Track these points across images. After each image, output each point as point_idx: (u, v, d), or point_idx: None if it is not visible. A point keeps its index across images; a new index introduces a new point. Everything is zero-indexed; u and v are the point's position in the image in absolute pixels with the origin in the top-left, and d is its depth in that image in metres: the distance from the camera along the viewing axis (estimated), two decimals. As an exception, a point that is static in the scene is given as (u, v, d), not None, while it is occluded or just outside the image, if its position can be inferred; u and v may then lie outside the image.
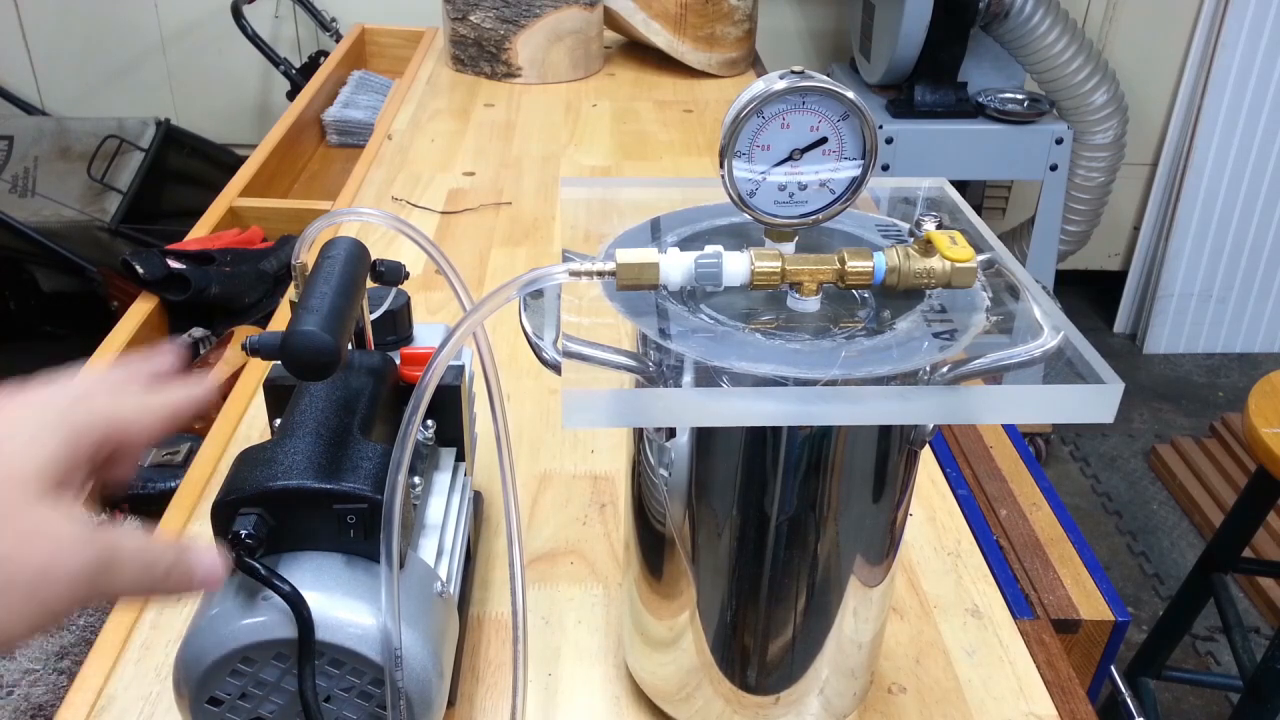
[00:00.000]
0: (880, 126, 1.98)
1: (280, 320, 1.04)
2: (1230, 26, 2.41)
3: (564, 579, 0.74)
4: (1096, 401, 0.44)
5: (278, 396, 0.60)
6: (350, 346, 0.60)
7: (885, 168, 2.16)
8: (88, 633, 0.75)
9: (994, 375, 0.48)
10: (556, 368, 0.47)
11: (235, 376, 0.96)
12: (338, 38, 2.33)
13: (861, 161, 0.49)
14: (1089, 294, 2.91)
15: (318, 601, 0.49)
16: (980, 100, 2.22)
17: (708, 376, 0.45)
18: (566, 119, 1.58)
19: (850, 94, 0.47)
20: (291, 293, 0.58)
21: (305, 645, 0.48)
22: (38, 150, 2.20)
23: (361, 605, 0.50)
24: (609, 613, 0.71)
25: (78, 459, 0.39)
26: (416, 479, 0.56)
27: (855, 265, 0.47)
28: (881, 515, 0.53)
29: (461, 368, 0.65)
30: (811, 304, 0.49)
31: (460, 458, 0.66)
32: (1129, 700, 1.27)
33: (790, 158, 0.48)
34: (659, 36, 1.76)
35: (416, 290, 1.02)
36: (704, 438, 0.51)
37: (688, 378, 0.46)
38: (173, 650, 0.54)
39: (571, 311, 0.50)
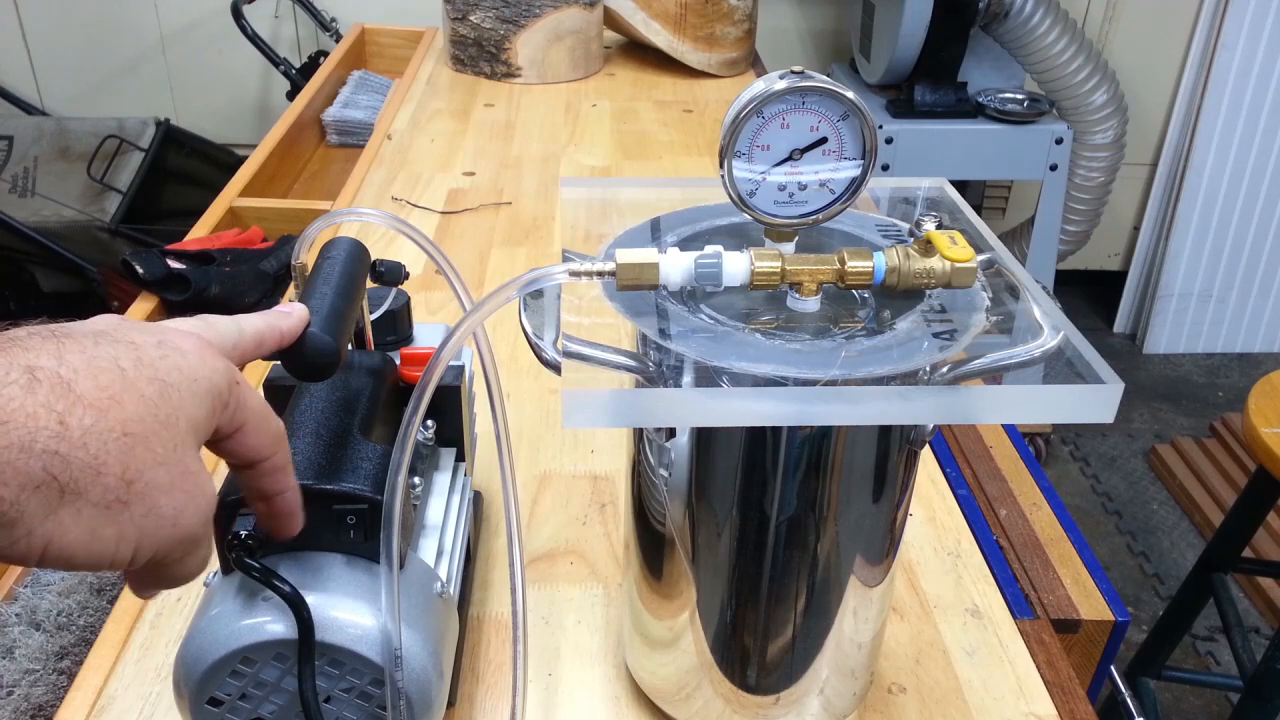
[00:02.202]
0: (880, 126, 1.98)
1: (280, 320, 1.04)
2: (1230, 26, 2.41)
3: (564, 579, 0.74)
4: (1096, 401, 0.44)
5: (278, 396, 0.59)
6: (350, 346, 0.60)
7: (885, 168, 2.16)
8: (88, 633, 0.75)
9: (994, 375, 0.48)
10: (556, 368, 0.47)
11: (235, 376, 0.96)
12: (338, 38, 2.33)
13: (861, 161, 0.49)
14: (1089, 294, 2.91)
15: (318, 601, 0.49)
16: (980, 100, 2.22)
17: (708, 376, 0.45)
18: (566, 119, 1.58)
19: (850, 94, 0.47)
20: (291, 293, 0.58)
21: (305, 645, 0.48)
22: (38, 150, 2.20)
23: (361, 605, 0.50)
24: (609, 613, 0.71)
25: (213, 426, 0.39)
26: (416, 479, 0.56)
27: (855, 265, 0.47)
28: (881, 515, 0.53)
29: (461, 368, 0.65)
30: (811, 304, 0.49)
31: (460, 458, 0.66)
32: (1129, 700, 1.27)
33: (790, 158, 0.48)
34: (659, 36, 1.76)
35: (416, 290, 1.02)
36: (704, 438, 0.51)
37: (688, 378, 0.46)
38: (173, 650, 0.54)
39: (571, 311, 0.50)
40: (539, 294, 0.51)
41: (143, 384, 0.35)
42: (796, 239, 0.51)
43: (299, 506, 0.45)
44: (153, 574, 0.39)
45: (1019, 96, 2.25)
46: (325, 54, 2.27)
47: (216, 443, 0.41)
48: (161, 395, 0.36)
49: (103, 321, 0.38)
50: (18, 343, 0.34)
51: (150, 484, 0.35)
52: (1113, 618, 0.78)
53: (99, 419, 0.33)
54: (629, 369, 0.47)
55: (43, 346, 0.34)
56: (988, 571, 0.76)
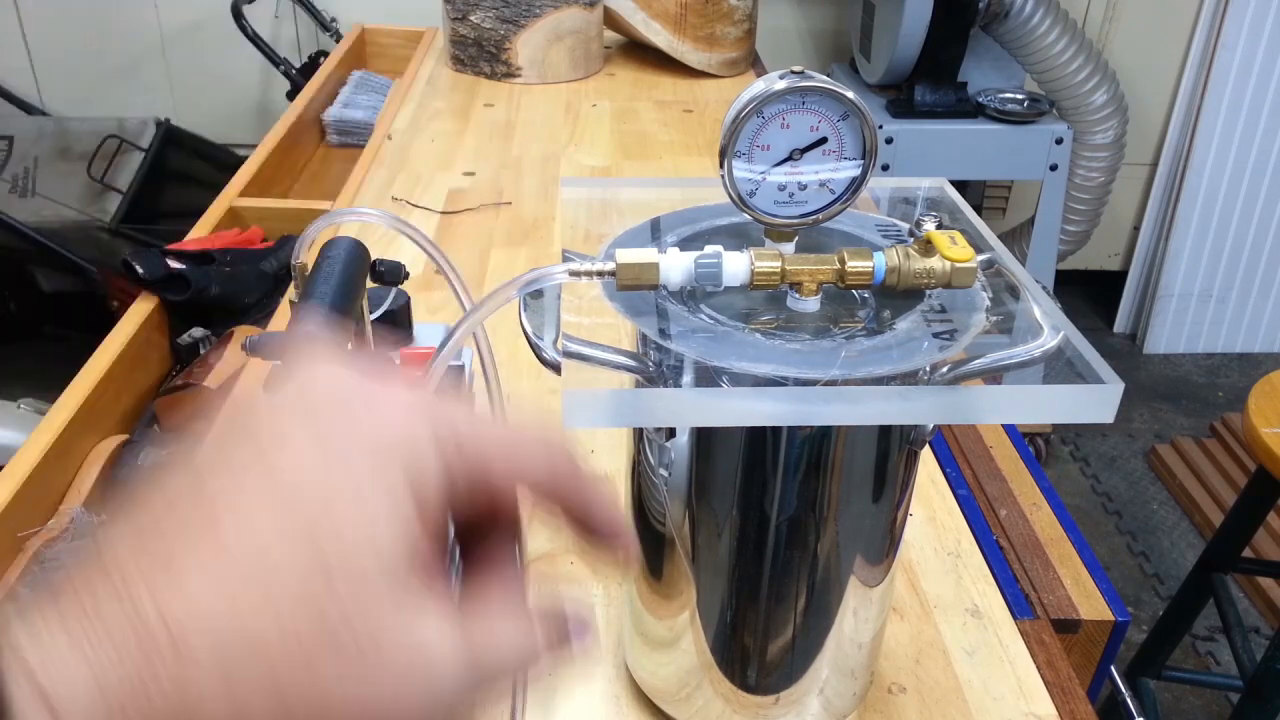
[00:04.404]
0: (880, 126, 1.98)
1: (280, 320, 1.04)
2: (1230, 26, 2.41)
3: (564, 579, 0.74)
4: (1096, 401, 0.44)
5: (278, 396, 0.59)
6: (350, 346, 0.60)
7: (885, 168, 2.16)
8: (88, 633, 0.75)
9: (994, 375, 0.48)
10: (556, 368, 0.47)
11: (235, 376, 0.96)
12: (338, 38, 2.33)
13: (861, 161, 0.49)
14: (1089, 294, 2.91)
15: (318, 601, 0.48)
16: (980, 100, 2.22)
17: (708, 376, 0.45)
18: (566, 119, 1.58)
19: (850, 94, 0.47)
20: (291, 293, 0.58)
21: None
22: (38, 150, 2.20)
23: (361, 605, 0.50)
24: (609, 613, 0.71)
25: (432, 523, 0.27)
26: (416, 479, 0.56)
27: (855, 265, 0.47)
28: (881, 515, 0.53)
29: (461, 368, 0.65)
30: (811, 304, 0.49)
31: (460, 458, 0.66)
32: (1129, 700, 1.27)
33: (790, 158, 0.48)
34: (659, 36, 1.76)
35: (416, 290, 1.02)
36: (704, 438, 0.51)
37: (688, 378, 0.46)
38: (173, 650, 0.54)
39: (571, 311, 0.49)
40: (539, 294, 0.51)
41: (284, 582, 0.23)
42: (796, 239, 0.51)
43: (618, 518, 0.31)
44: None
45: (1019, 96, 2.25)
46: (325, 54, 2.27)
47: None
48: (311, 576, 0.23)
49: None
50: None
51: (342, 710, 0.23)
52: (1113, 618, 0.78)
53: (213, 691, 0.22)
54: (629, 369, 0.47)
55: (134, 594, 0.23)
56: (988, 571, 0.76)
